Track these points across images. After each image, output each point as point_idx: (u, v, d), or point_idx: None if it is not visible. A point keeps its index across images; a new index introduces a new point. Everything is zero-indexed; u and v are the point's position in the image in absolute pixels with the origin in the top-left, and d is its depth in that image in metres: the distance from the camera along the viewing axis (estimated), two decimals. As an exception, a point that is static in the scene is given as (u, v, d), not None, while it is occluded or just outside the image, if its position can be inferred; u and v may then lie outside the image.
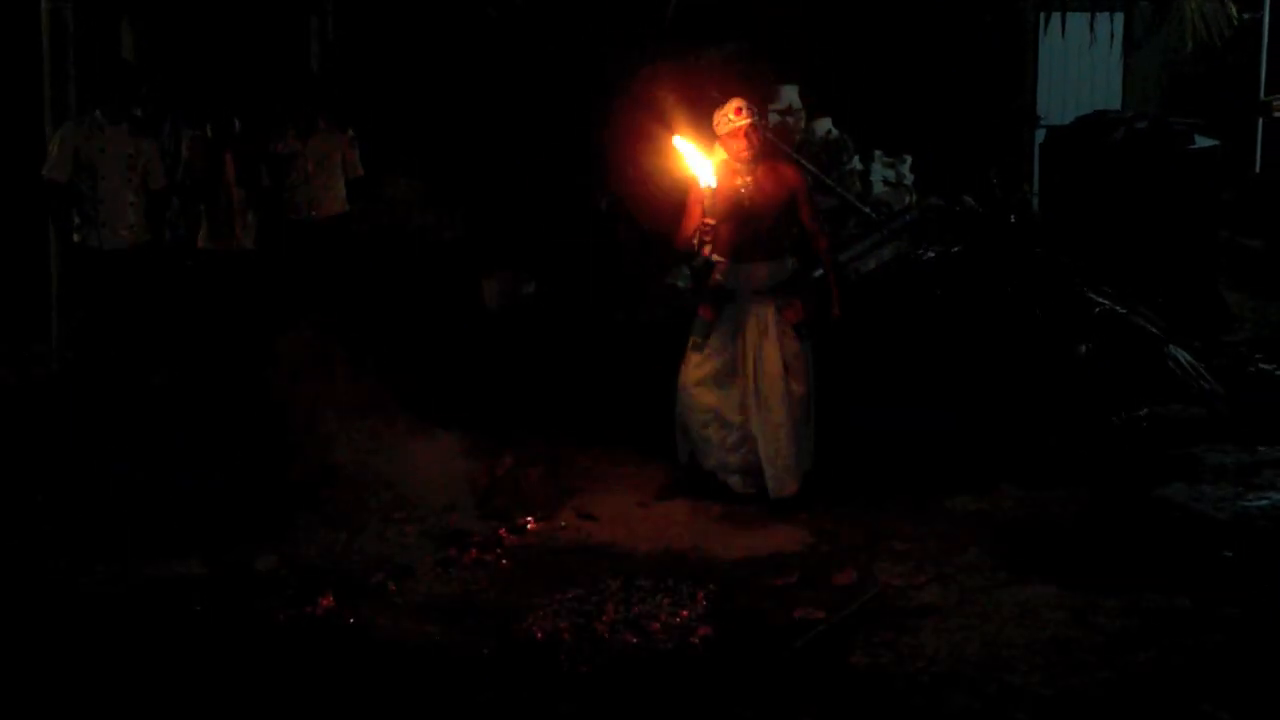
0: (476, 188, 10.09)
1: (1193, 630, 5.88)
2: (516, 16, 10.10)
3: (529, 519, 7.24)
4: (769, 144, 7.60)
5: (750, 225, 7.29)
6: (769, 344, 7.35)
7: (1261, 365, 9.53)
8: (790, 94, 11.08)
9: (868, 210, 10.15)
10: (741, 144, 7.22)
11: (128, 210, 8.33)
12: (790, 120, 10.90)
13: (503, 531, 7.06)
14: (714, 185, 7.05)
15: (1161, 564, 6.55)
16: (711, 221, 7.07)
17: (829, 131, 11.02)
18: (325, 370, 8.04)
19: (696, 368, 7.44)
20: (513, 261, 9.93)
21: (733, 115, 7.18)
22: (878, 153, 11.20)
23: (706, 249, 7.18)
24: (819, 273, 7.79)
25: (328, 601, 6.17)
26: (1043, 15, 12.17)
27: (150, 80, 8.90)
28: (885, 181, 11.08)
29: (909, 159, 11.23)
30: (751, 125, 7.19)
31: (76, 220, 8.32)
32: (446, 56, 10.27)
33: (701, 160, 7.10)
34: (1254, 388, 9.14)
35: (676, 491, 7.64)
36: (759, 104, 8.73)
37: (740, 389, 7.39)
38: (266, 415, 7.91)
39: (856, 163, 10.99)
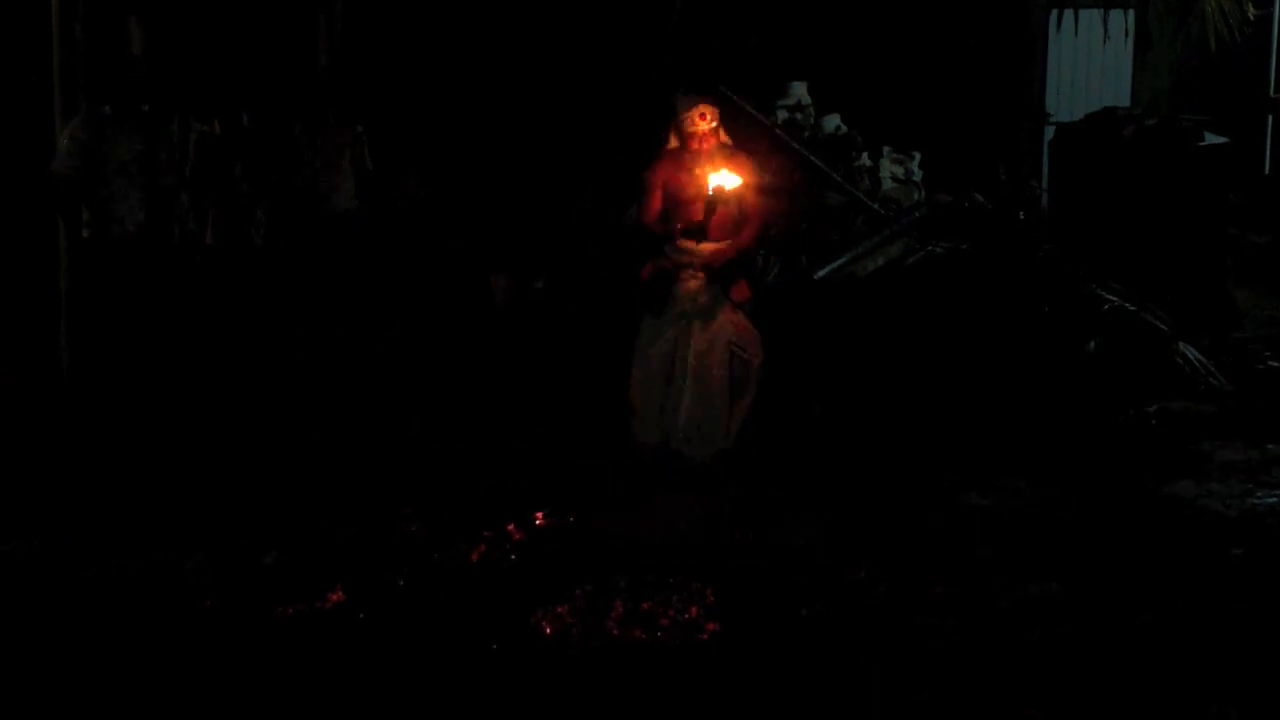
0: (486, 184, 10.09)
1: (1201, 629, 5.88)
2: (527, 12, 10.10)
3: (537, 514, 7.24)
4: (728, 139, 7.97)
5: (705, 210, 7.68)
6: (709, 320, 7.81)
7: (1270, 362, 9.53)
8: (799, 90, 11.08)
9: (876, 207, 10.15)
10: (700, 144, 7.74)
11: (136, 206, 8.32)
12: (799, 116, 10.90)
13: (511, 527, 7.06)
14: (725, 187, 7.58)
15: (1170, 561, 6.55)
16: (698, 218, 7.63)
17: (838, 128, 11.01)
18: (334, 364, 8.06)
19: (648, 343, 7.90)
20: (522, 258, 9.93)
21: (696, 120, 7.72)
22: (887, 149, 11.20)
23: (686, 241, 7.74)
24: (822, 272, 7.96)
25: (336, 597, 6.18)
26: (1054, 12, 12.16)
27: (158, 76, 8.89)
28: (894, 178, 11.07)
29: (918, 155, 11.22)
30: (709, 131, 7.74)
31: (85, 216, 8.33)
32: (457, 51, 10.27)
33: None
34: (1262, 385, 9.13)
35: (685, 486, 7.66)
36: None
37: (679, 359, 7.83)
38: (274, 410, 7.92)
39: (865, 159, 10.98)
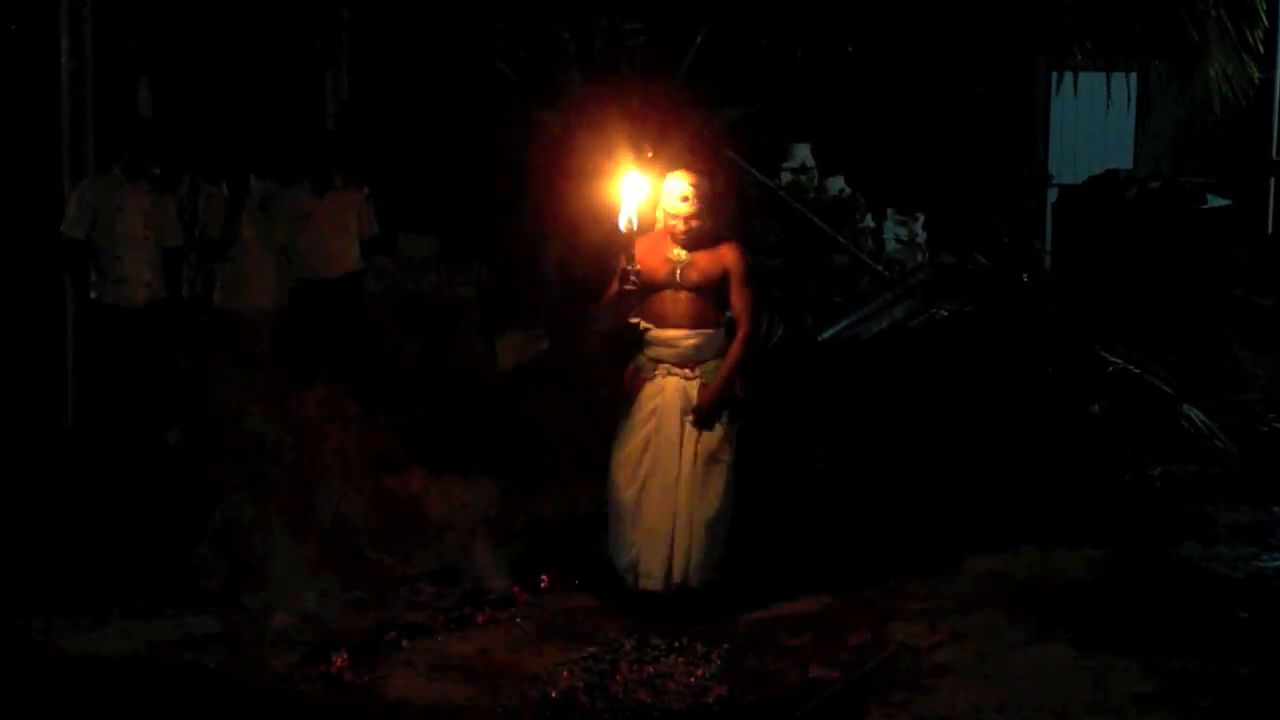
0: (490, 245, 10.12)
1: (1209, 691, 5.85)
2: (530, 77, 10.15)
3: (543, 577, 7.22)
4: (715, 223, 6.82)
5: (679, 296, 6.73)
6: (675, 425, 6.73)
7: (1275, 424, 9.53)
8: (803, 152, 11.16)
9: (880, 268, 10.20)
10: (679, 226, 6.71)
11: (144, 267, 8.37)
12: (803, 179, 10.97)
13: (516, 589, 7.04)
14: (633, 229, 6.61)
15: (1177, 624, 6.52)
16: (633, 279, 6.59)
17: (842, 190, 11.08)
18: (339, 426, 8.05)
19: (620, 446, 6.85)
20: (526, 318, 9.95)
21: (679, 201, 6.68)
22: (890, 211, 11.27)
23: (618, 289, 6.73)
24: (827, 334, 7.88)
25: (342, 660, 6.16)
26: (1055, 75, 12.23)
27: (167, 138, 8.96)
28: (898, 239, 11.14)
29: (921, 217, 11.29)
30: (692, 215, 6.67)
31: (93, 277, 8.37)
32: (461, 114, 10.33)
33: (629, 204, 6.64)
34: (1268, 447, 9.13)
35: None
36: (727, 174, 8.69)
37: (652, 467, 6.73)
38: (280, 473, 7.90)
39: (869, 221, 11.05)
